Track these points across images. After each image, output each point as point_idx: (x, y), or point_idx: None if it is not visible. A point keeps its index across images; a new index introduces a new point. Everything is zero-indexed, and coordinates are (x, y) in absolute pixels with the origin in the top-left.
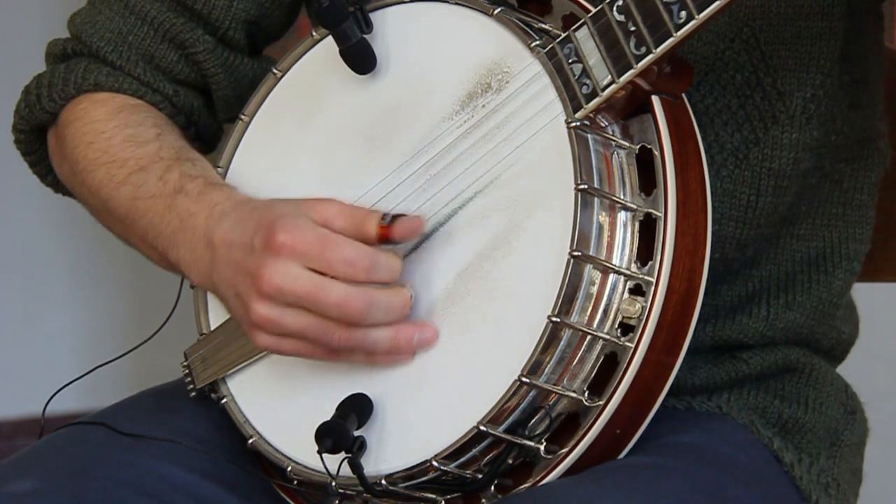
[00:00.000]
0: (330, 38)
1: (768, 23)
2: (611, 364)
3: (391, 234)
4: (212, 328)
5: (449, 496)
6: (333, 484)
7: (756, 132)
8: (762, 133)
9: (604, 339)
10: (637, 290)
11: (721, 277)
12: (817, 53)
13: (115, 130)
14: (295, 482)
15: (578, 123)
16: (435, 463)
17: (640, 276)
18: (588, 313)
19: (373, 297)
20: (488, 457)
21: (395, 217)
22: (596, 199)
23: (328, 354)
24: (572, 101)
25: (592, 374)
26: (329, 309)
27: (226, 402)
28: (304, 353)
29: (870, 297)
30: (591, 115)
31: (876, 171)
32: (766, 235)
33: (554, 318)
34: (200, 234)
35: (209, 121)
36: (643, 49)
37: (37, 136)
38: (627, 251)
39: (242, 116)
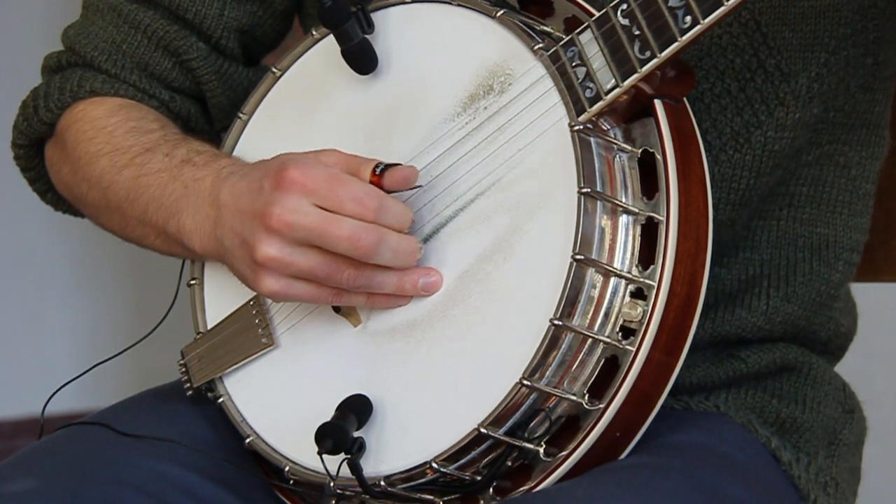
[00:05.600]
0: (330, 37)
1: (769, 5)
2: (611, 367)
3: (381, 182)
4: (209, 327)
5: (447, 498)
6: (332, 484)
7: (758, 115)
8: (765, 115)
9: (605, 343)
10: (638, 294)
11: (715, 258)
12: (822, 32)
13: (117, 125)
14: (292, 482)
15: (581, 127)
16: (434, 464)
17: (642, 279)
18: (589, 316)
19: (383, 234)
20: (487, 459)
21: (388, 166)
22: (598, 202)
23: (333, 297)
24: (575, 104)
25: (593, 378)
26: (339, 243)
27: (223, 401)
28: (311, 296)
29: (870, 297)
30: (594, 118)
31: (881, 159)
32: (757, 211)
33: (556, 322)
34: (206, 195)
35: (206, 128)
36: (647, 53)
37: (36, 150)
38: (629, 255)
39: (241, 115)
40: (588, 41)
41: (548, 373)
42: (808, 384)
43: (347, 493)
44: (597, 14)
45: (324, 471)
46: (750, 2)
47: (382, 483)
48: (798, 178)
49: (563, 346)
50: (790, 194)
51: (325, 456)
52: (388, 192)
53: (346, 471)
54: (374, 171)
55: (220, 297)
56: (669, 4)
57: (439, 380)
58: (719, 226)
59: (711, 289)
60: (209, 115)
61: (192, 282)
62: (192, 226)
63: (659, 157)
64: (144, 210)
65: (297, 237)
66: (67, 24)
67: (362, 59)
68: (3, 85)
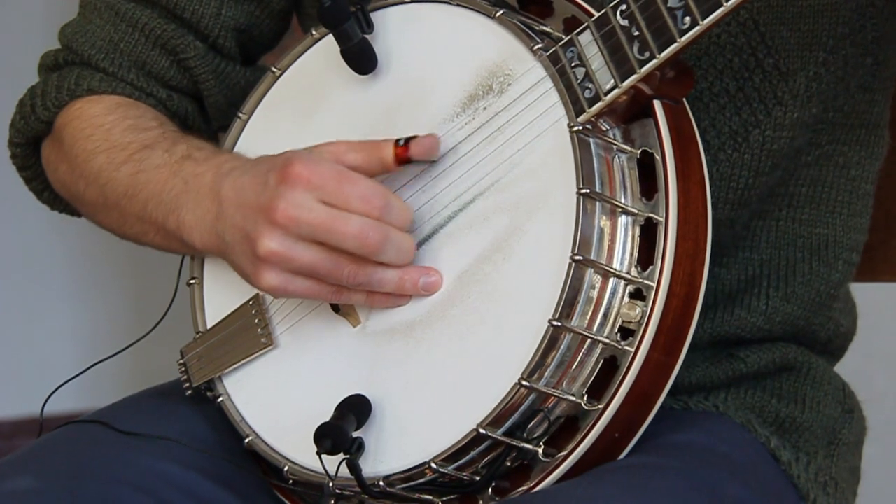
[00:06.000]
0: (329, 37)
1: (767, 4)
2: (610, 368)
3: (409, 152)
4: (208, 326)
5: (446, 498)
6: (331, 484)
7: (756, 114)
8: (763, 115)
9: (603, 343)
10: (637, 295)
11: (714, 258)
12: (820, 31)
13: (114, 122)
14: (291, 482)
15: (581, 127)
16: (433, 465)
17: (641, 280)
18: (588, 317)
19: (389, 232)
20: (486, 459)
21: (410, 138)
22: (597, 203)
23: (332, 294)
24: (575, 105)
25: (592, 378)
26: (346, 240)
27: (222, 400)
28: (311, 293)
29: (870, 297)
30: (593, 119)
31: (880, 159)
32: (756, 211)
33: (555, 322)
34: (206, 190)
35: (204, 127)
36: (647, 54)
37: (33, 149)
38: (628, 255)
39: (240, 114)
40: (587, 42)
41: (546, 373)
42: (808, 384)
43: (346, 493)
44: (596, 15)
45: (323, 471)
46: (749, 1)
47: (381, 483)
48: (797, 178)
49: (562, 346)
50: (789, 194)
51: (323, 456)
52: (415, 162)
53: (345, 471)
54: (396, 143)
55: (220, 297)
56: (669, 5)
57: (438, 380)
58: (718, 225)
59: (711, 289)
60: (206, 114)
61: (192, 281)
62: (192, 221)
63: (658, 157)
64: (143, 206)
65: (301, 232)
66: (64, 23)
67: (361, 59)
68: (2, 84)
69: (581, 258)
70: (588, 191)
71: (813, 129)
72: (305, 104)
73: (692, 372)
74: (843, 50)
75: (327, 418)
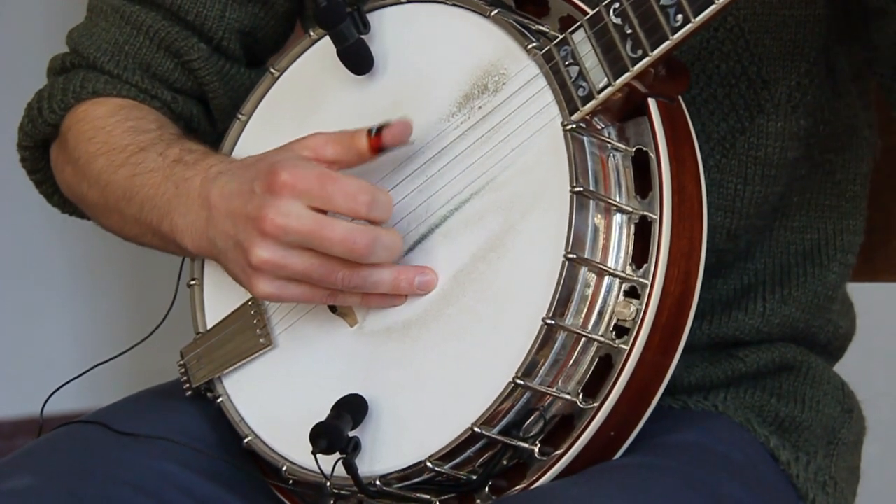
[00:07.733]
0: (328, 38)
1: (753, 12)
2: (605, 366)
3: (382, 141)
4: (208, 327)
5: (443, 497)
6: (328, 484)
7: (742, 121)
8: (748, 122)
9: (598, 342)
10: (632, 293)
11: (714, 270)
12: (802, 42)
13: (115, 124)
14: (290, 482)
15: (574, 126)
16: (429, 464)
17: (636, 278)
18: (583, 315)
19: (376, 233)
20: (483, 458)
21: (382, 127)
22: (591, 201)
23: (327, 297)
24: (568, 103)
25: (587, 376)
26: (333, 245)
27: (221, 401)
28: (306, 297)
29: (870, 297)
30: (588, 117)
31: (866, 160)
32: (759, 227)
33: (548, 321)
34: (195, 195)
35: (209, 129)
36: (639, 52)
37: (41, 153)
38: (623, 254)
39: (240, 115)
40: (581, 40)
41: (541, 372)
42: (808, 383)
43: (344, 492)
44: (590, 13)
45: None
46: (736, 6)
47: (378, 482)
48: (791, 189)
49: (557, 344)
50: (783, 206)
51: (321, 455)
52: (389, 149)
53: (343, 470)
54: (368, 134)
55: (220, 298)
56: (661, 3)
57: (434, 379)
58: (716, 235)
59: (707, 298)
60: (212, 116)
61: (192, 282)
62: (183, 226)
63: (652, 155)
64: (140, 209)
65: (290, 240)
66: (69, 26)
67: (358, 60)
68: (2, 87)
69: (574, 256)
70: (581, 189)
71: (805, 143)
72: (304, 105)
73: (691, 372)
74: (821, 59)
75: (324, 418)
